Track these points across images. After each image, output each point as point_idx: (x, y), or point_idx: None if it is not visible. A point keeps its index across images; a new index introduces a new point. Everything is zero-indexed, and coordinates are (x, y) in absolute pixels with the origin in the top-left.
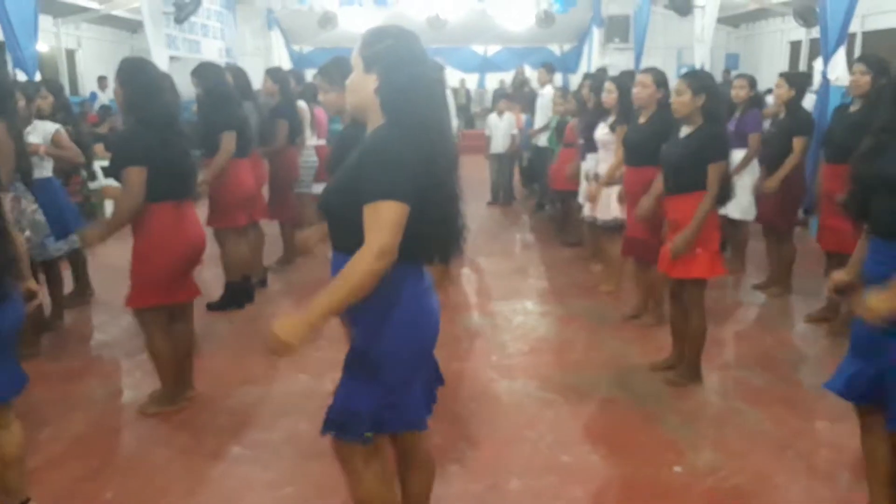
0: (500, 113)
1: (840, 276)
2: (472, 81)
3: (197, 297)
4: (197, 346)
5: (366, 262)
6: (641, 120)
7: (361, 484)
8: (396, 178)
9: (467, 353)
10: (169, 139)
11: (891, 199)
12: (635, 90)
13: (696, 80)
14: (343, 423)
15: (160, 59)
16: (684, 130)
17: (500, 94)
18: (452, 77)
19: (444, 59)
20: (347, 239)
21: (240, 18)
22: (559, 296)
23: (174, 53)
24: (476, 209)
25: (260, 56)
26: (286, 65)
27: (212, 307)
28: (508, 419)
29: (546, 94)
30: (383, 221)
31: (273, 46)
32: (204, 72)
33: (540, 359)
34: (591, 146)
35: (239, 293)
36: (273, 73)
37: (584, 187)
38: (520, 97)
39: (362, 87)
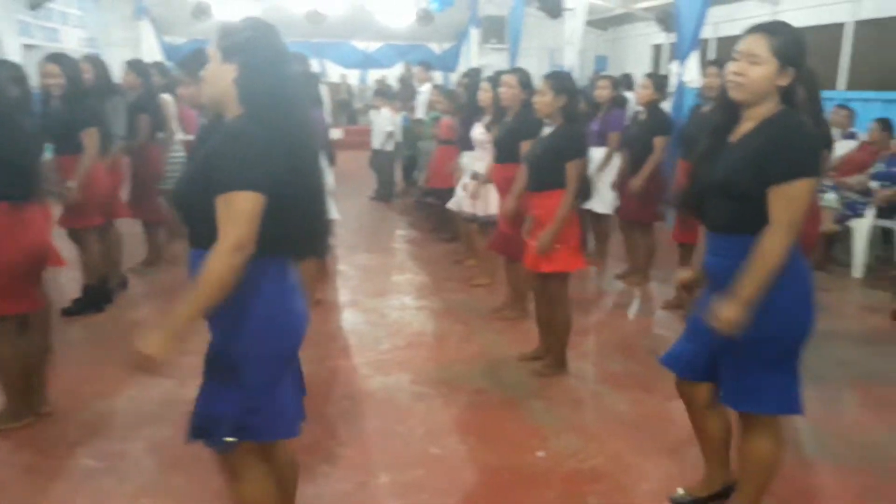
0: (378, 109)
1: (684, 273)
2: (353, 77)
3: (41, 308)
4: (52, 357)
5: (221, 258)
6: (507, 119)
7: (243, 491)
8: (250, 168)
9: (342, 351)
10: (8, 134)
11: (719, 199)
12: (501, 90)
13: (558, 80)
14: (205, 428)
15: (11, 48)
16: (546, 130)
17: (378, 92)
18: (333, 72)
19: (324, 54)
20: (203, 234)
21: (105, 7)
22: (435, 290)
23: (28, 41)
24: (357, 205)
25: (128, 47)
26: (157, 56)
27: (68, 312)
28: (380, 415)
29: (424, 92)
30: (236, 213)
31: (142, 37)
32: (61, 63)
33: (414, 353)
34: (466, 144)
35: (97, 296)
36: (134, 65)
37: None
38: (403, 93)
39: (220, 77)
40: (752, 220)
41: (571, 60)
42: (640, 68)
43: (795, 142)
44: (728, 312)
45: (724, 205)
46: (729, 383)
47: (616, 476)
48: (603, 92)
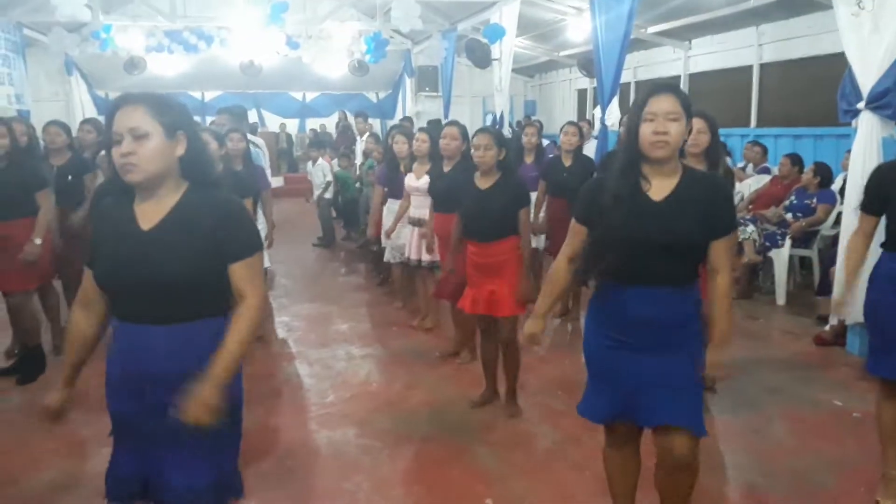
0: (314, 160)
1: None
2: (293, 126)
3: None
4: None
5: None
6: (446, 168)
7: None
8: (256, 233)
9: (287, 406)
10: None
11: (660, 256)
12: (445, 142)
13: (498, 136)
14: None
15: None
16: (483, 182)
17: (312, 143)
18: (272, 122)
19: (262, 105)
20: (195, 305)
21: (32, 62)
22: (379, 338)
23: None
24: (299, 252)
25: (59, 102)
26: (89, 111)
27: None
28: (326, 472)
29: (362, 141)
30: (259, 271)
31: (73, 91)
32: (5, 124)
33: (360, 405)
34: (394, 192)
35: (31, 361)
36: (94, 123)
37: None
38: (343, 141)
39: (168, 153)
40: (690, 271)
41: (502, 106)
42: (566, 112)
43: (729, 196)
44: (721, 358)
45: (665, 260)
46: (672, 410)
47: None
48: (532, 139)
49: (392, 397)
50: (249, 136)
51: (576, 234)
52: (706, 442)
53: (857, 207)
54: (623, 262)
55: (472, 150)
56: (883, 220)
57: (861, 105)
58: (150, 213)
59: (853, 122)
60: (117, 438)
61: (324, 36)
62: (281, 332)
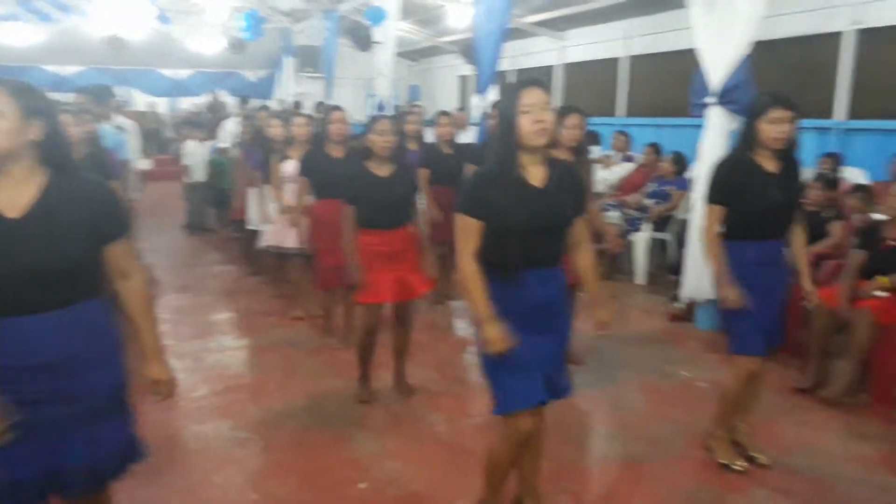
0: (201, 141)
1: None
2: (163, 105)
3: None
4: None
5: (147, 286)
6: (336, 154)
7: None
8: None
9: (153, 403)
10: None
11: (554, 237)
12: (336, 126)
13: (396, 125)
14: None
15: None
16: (381, 170)
17: (184, 122)
18: (140, 100)
19: (129, 83)
20: (80, 285)
21: None
22: (254, 327)
23: None
24: (170, 239)
25: None
26: None
27: None
28: (196, 467)
29: (230, 122)
30: (134, 250)
31: None
32: None
33: (234, 397)
34: (265, 176)
35: None
36: None
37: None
38: (212, 122)
39: (19, 133)
40: (564, 249)
41: (385, 90)
42: (449, 98)
43: (584, 177)
44: (608, 312)
45: (553, 241)
46: (556, 381)
47: (434, 497)
48: (415, 126)
49: (267, 388)
50: (116, 117)
51: (472, 231)
52: (571, 414)
53: (706, 200)
54: (522, 249)
55: (374, 136)
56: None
57: (710, 100)
58: (12, 201)
59: (702, 114)
60: None
61: (197, 11)
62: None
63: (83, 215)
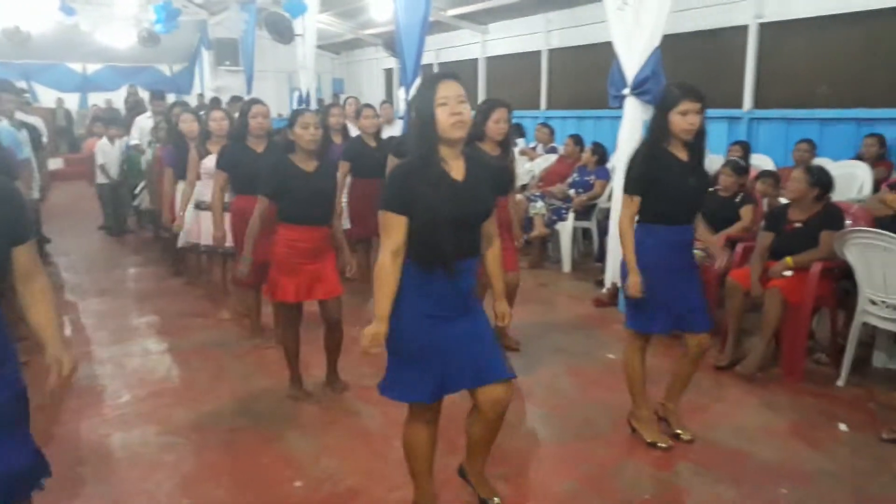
0: (112, 139)
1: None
2: (73, 101)
3: None
4: None
5: (51, 289)
6: (258, 149)
7: None
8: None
9: (75, 411)
10: None
11: (471, 229)
12: (258, 121)
13: (320, 117)
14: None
15: None
16: (307, 164)
17: (97, 118)
18: (47, 97)
19: (34, 77)
20: None
21: None
22: (178, 330)
23: None
24: (85, 242)
25: None
26: None
27: None
28: (123, 475)
29: (144, 118)
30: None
31: None
32: None
33: (160, 401)
34: (181, 173)
35: None
36: None
37: (187, 215)
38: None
39: None
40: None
41: (308, 83)
42: (374, 91)
43: (501, 167)
44: (506, 306)
45: (475, 232)
46: (485, 363)
47: (370, 490)
48: (339, 119)
49: (195, 392)
50: (19, 115)
51: (396, 226)
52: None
53: (624, 191)
54: (451, 240)
55: (300, 130)
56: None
57: (626, 91)
58: None
59: (621, 106)
60: None
61: (104, 2)
62: (66, 331)
63: None
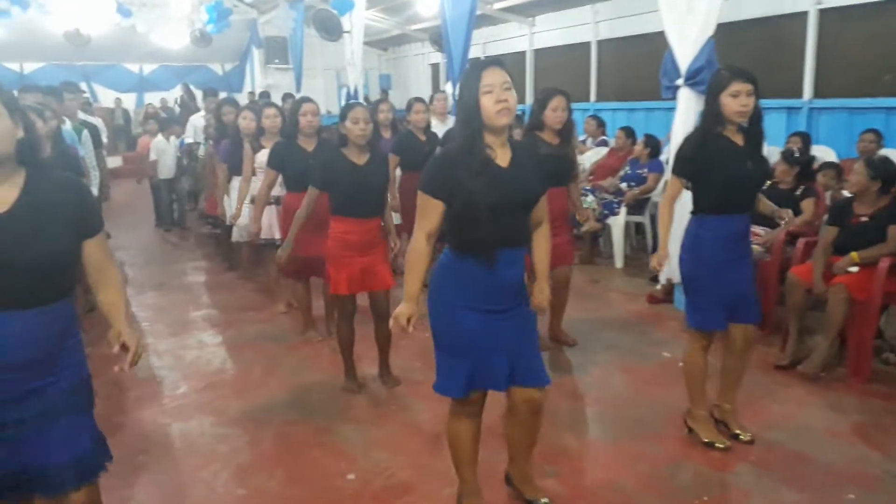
0: (168, 136)
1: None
2: (130, 101)
3: None
4: None
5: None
6: (308, 147)
7: None
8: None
9: (135, 402)
10: None
11: (520, 216)
12: (307, 119)
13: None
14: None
15: None
16: (358, 158)
17: (151, 117)
18: (106, 97)
19: (93, 78)
20: (40, 291)
21: None
22: (233, 322)
23: None
24: (142, 237)
25: None
26: None
27: None
28: (181, 464)
29: (198, 116)
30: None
31: None
32: None
33: (216, 393)
34: (237, 169)
35: None
36: None
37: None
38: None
39: (12, 136)
40: (529, 227)
41: (356, 80)
42: (421, 87)
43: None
44: (547, 289)
45: (524, 220)
46: (525, 365)
47: (422, 485)
48: (388, 114)
49: (249, 383)
50: (82, 115)
51: (432, 210)
52: (559, 400)
53: (671, 171)
54: (492, 228)
55: (350, 125)
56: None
57: (680, 82)
58: None
59: (675, 97)
60: None
61: (159, 3)
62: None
63: (64, 211)
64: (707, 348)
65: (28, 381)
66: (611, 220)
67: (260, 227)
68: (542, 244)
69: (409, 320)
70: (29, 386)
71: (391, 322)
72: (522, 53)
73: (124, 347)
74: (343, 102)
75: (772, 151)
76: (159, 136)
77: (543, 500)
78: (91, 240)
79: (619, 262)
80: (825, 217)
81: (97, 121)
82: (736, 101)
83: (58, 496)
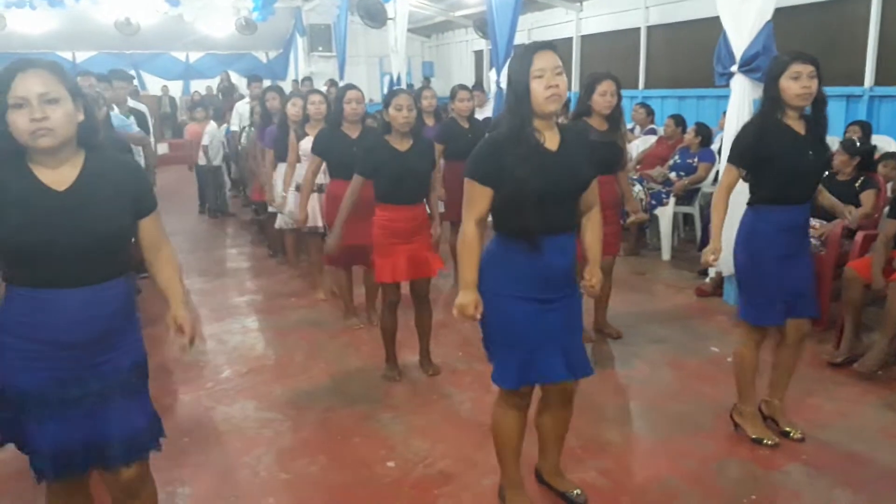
0: (209, 122)
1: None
2: (176, 88)
3: None
4: None
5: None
6: (353, 134)
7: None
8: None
9: (180, 384)
10: None
11: (570, 202)
12: (352, 106)
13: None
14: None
15: None
16: (401, 144)
17: (193, 104)
18: (153, 84)
19: (141, 66)
20: (99, 268)
21: None
22: (276, 309)
23: None
24: (188, 223)
25: None
26: None
27: None
28: (225, 447)
29: (242, 103)
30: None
31: None
32: None
33: (258, 378)
34: (283, 156)
35: None
36: None
37: (289, 196)
38: (227, 103)
39: (75, 119)
40: (577, 214)
41: (399, 67)
42: (464, 74)
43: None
44: (598, 271)
45: (569, 206)
46: (574, 357)
47: (463, 475)
48: (432, 101)
49: (291, 369)
50: (131, 102)
51: (480, 197)
52: (603, 394)
53: (727, 160)
54: (538, 215)
55: (394, 112)
56: (753, 176)
57: (734, 68)
58: (59, 177)
59: (728, 84)
60: (29, 417)
61: None
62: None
63: (121, 190)
64: (760, 343)
65: (87, 359)
66: (658, 211)
67: (307, 214)
68: (593, 229)
69: (475, 307)
70: (88, 364)
71: (455, 312)
72: (569, 40)
73: (181, 330)
74: (386, 90)
75: (831, 141)
76: (212, 123)
77: (576, 491)
78: (146, 218)
79: (666, 254)
80: (886, 209)
81: (143, 107)
82: (797, 83)
83: (110, 471)
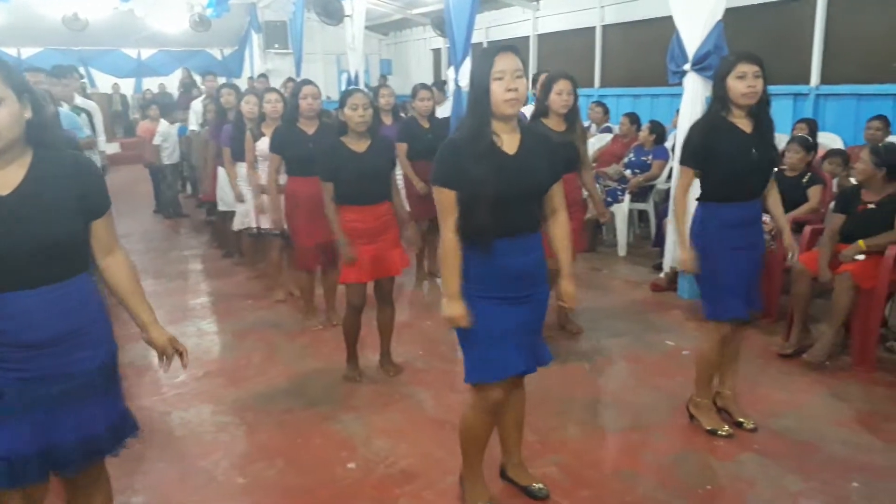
0: (172, 122)
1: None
2: (128, 86)
3: None
4: None
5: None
6: (309, 131)
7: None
8: None
9: (134, 390)
10: None
11: (530, 203)
12: (308, 102)
13: (370, 97)
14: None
15: None
16: (358, 145)
17: (145, 103)
18: (104, 82)
19: (91, 63)
20: (54, 268)
21: None
22: (234, 310)
23: None
24: (141, 224)
25: None
26: None
27: None
28: (180, 453)
29: (198, 101)
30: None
31: None
32: None
33: (215, 382)
34: (240, 155)
35: None
36: None
37: (245, 197)
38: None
39: (21, 118)
40: (540, 216)
41: (356, 65)
42: (422, 72)
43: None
44: (573, 287)
45: (527, 209)
46: (537, 350)
47: (425, 474)
48: (389, 99)
49: (248, 371)
50: (78, 99)
51: (449, 202)
52: (556, 385)
53: (680, 162)
54: (495, 217)
55: (349, 111)
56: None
57: (687, 67)
58: (3, 179)
59: (682, 82)
60: None
61: None
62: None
63: (71, 190)
64: (727, 340)
65: (53, 358)
66: (614, 208)
67: (280, 215)
68: (559, 235)
69: (463, 318)
70: (54, 363)
71: (445, 324)
72: (526, 38)
73: (178, 355)
74: (343, 87)
75: (778, 139)
76: (163, 122)
77: (537, 486)
78: (98, 220)
79: (622, 251)
80: (832, 204)
81: (91, 104)
82: (742, 82)
83: (68, 476)
